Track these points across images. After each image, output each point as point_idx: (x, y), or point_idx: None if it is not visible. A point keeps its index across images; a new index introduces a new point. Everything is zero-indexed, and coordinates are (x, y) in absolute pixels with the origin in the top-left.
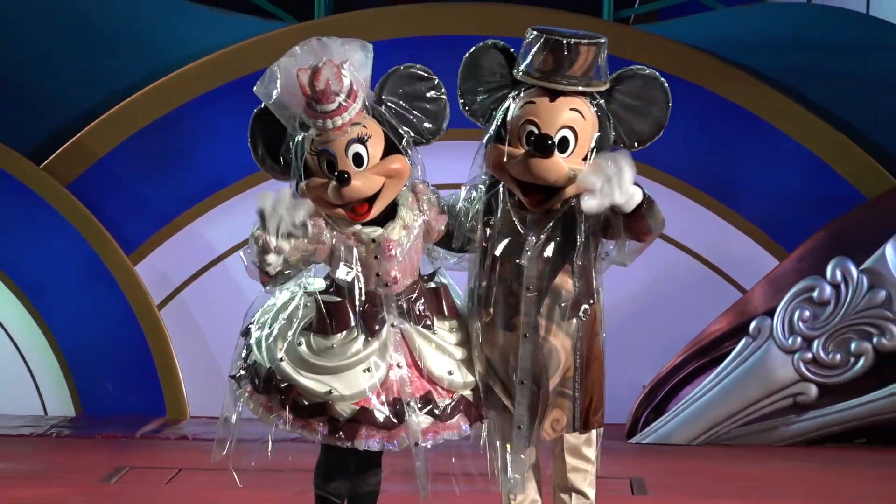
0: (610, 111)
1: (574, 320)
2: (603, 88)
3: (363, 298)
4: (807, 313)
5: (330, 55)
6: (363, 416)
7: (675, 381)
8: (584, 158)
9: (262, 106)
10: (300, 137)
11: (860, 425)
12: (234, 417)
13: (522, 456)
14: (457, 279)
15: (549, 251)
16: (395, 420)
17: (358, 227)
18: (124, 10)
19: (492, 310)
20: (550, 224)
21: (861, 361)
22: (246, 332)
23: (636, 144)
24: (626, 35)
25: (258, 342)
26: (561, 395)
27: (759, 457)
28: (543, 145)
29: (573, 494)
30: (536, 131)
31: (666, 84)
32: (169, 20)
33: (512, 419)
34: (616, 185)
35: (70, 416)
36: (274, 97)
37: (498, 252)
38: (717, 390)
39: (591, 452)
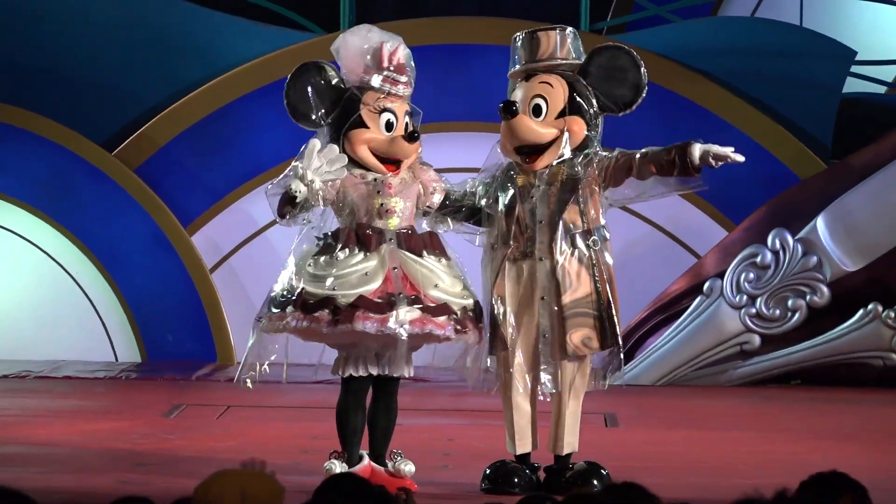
0: (590, 83)
1: (585, 247)
2: (576, 63)
3: (363, 222)
4: (751, 275)
5: (397, 40)
6: (360, 301)
7: (642, 332)
8: (559, 117)
9: (310, 64)
10: (353, 95)
11: (795, 369)
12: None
13: (551, 360)
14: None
15: (555, 194)
16: (388, 307)
17: (363, 170)
18: (184, 23)
19: (512, 243)
20: (550, 173)
21: (796, 316)
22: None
23: (623, 108)
24: (599, 43)
25: (279, 283)
26: (582, 315)
27: (711, 395)
28: (508, 108)
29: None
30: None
31: (633, 52)
32: (220, 32)
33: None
34: None
35: (136, 361)
36: (344, 57)
37: (507, 201)
38: (677, 340)
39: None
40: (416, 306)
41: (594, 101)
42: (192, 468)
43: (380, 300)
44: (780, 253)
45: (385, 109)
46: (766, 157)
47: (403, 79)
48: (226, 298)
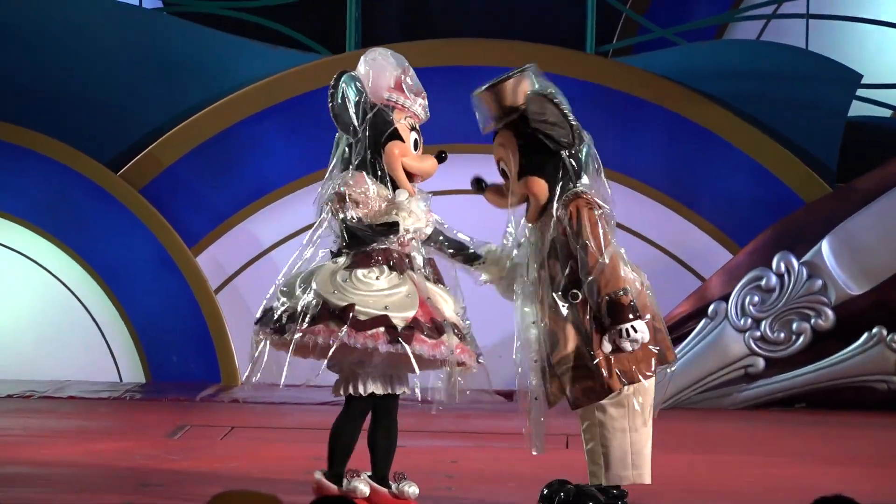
0: (534, 130)
1: (566, 306)
2: (514, 117)
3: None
4: (756, 298)
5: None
6: (416, 324)
7: None
8: (519, 174)
9: (349, 72)
10: (383, 110)
11: (800, 392)
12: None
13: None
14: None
15: (543, 251)
16: (437, 333)
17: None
18: (189, 44)
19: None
20: (537, 229)
21: (801, 339)
22: (284, 294)
23: (568, 148)
24: (605, 65)
25: (299, 291)
26: (574, 369)
27: (715, 418)
28: (476, 185)
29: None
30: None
31: (537, 95)
32: (226, 52)
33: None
34: None
35: (141, 382)
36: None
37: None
38: (681, 363)
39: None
40: (454, 332)
41: (549, 144)
42: (195, 489)
43: (430, 325)
44: (785, 276)
45: (413, 128)
46: (771, 180)
47: (425, 101)
48: (230, 319)
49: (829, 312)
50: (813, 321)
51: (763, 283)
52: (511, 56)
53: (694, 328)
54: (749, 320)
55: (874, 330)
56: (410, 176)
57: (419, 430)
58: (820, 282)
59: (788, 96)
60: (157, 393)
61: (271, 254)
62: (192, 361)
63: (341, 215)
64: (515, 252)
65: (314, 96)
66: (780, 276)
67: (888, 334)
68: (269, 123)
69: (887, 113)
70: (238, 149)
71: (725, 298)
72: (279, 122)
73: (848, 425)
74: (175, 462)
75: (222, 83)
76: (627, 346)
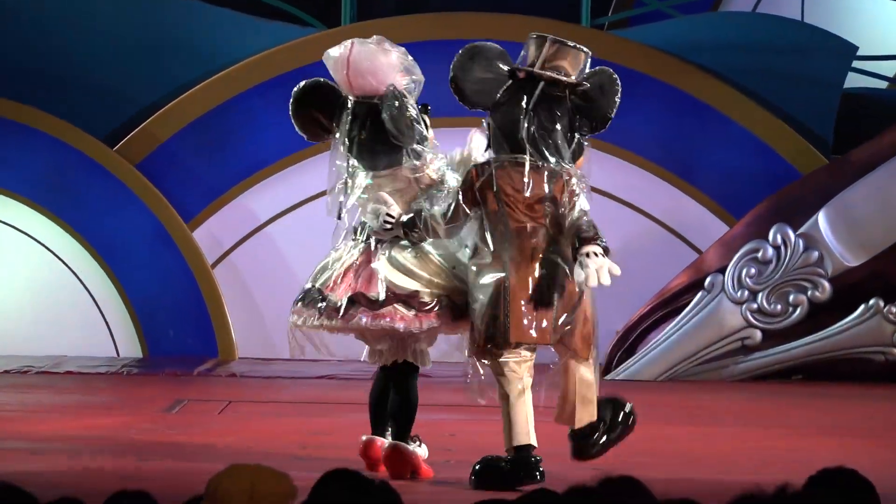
0: (581, 104)
1: None
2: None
3: None
4: (753, 270)
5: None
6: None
7: (643, 327)
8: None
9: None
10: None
11: (797, 364)
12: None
13: None
14: None
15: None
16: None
17: None
18: (185, 19)
19: None
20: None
21: (798, 311)
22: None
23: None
24: (601, 38)
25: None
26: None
27: (712, 390)
28: None
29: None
30: None
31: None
32: (221, 27)
33: None
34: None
35: (138, 357)
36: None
37: None
38: (678, 335)
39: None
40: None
41: (585, 121)
42: (193, 463)
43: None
44: (782, 248)
45: None
46: (767, 152)
47: None
48: (227, 294)
49: (826, 284)
50: (810, 293)
51: (759, 255)
52: (507, 29)
53: (690, 301)
54: (746, 292)
55: (871, 301)
56: None
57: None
58: (816, 253)
59: (784, 68)
60: (154, 368)
61: (267, 228)
62: (189, 336)
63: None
64: None
65: (309, 71)
66: (776, 247)
67: (885, 305)
68: (265, 98)
69: (883, 84)
70: (234, 124)
71: (722, 271)
72: (274, 97)
73: (845, 397)
74: (172, 436)
75: (218, 58)
76: None
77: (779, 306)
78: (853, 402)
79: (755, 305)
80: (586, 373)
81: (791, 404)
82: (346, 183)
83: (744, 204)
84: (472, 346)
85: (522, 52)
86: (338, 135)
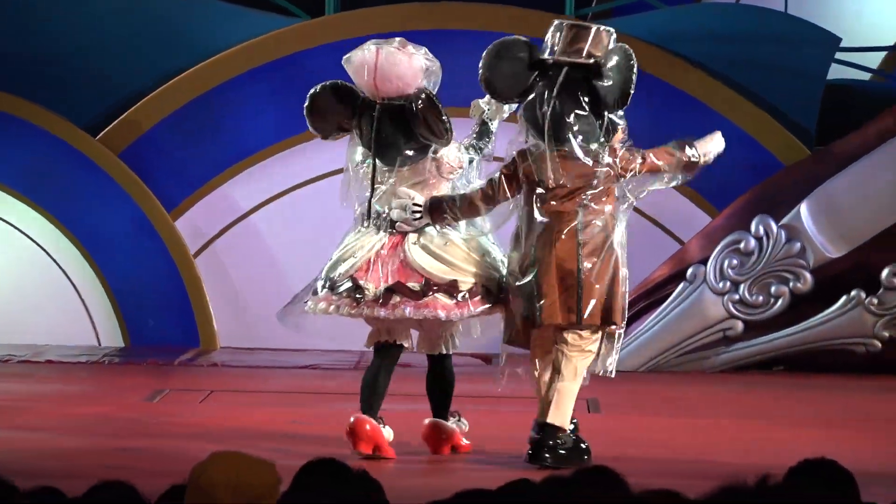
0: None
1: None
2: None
3: None
4: (735, 261)
5: None
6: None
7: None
8: None
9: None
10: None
11: (778, 355)
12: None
13: None
14: None
15: None
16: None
17: None
18: (169, 7)
19: None
20: None
21: (779, 302)
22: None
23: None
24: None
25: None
26: None
27: (694, 381)
28: None
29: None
30: None
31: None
32: (205, 16)
33: None
34: None
35: (120, 346)
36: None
37: None
38: (660, 326)
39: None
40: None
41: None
42: (174, 453)
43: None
44: (764, 239)
45: None
46: (749, 143)
47: None
48: (209, 283)
49: (808, 275)
50: (791, 284)
51: (742, 246)
52: (491, 20)
53: (672, 291)
54: (728, 283)
55: (852, 293)
56: None
57: (402, 393)
58: (798, 245)
59: (767, 59)
60: (135, 357)
61: (250, 218)
62: (171, 325)
63: None
64: None
65: (293, 60)
66: (758, 239)
67: (866, 297)
68: (249, 87)
69: (866, 76)
70: (217, 112)
71: (704, 262)
72: (259, 87)
73: (826, 388)
74: (154, 426)
75: (201, 47)
76: None
77: (760, 297)
78: (834, 393)
79: (737, 296)
80: (571, 385)
81: (772, 395)
82: (371, 183)
83: (726, 195)
84: (507, 332)
85: (546, 40)
86: (356, 134)
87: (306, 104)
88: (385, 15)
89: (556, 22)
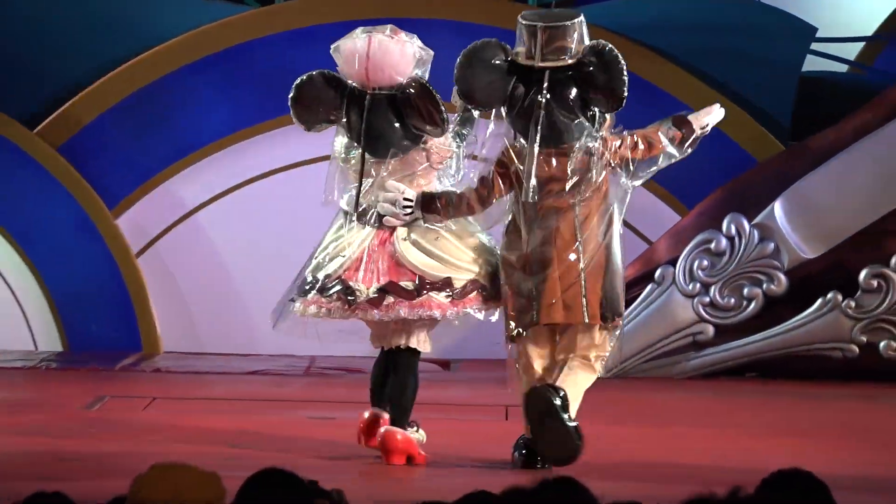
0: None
1: None
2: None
3: None
4: (705, 262)
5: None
6: None
7: None
8: None
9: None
10: None
11: (751, 361)
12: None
13: None
14: None
15: None
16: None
17: None
18: None
19: None
20: None
21: (752, 305)
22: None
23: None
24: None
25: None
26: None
27: (662, 388)
28: None
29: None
30: None
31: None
32: (151, 4)
33: None
34: None
35: (57, 350)
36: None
37: None
38: (626, 330)
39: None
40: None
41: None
42: (115, 463)
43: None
44: (736, 239)
45: None
46: (721, 138)
47: None
48: (152, 284)
49: (782, 277)
50: (765, 286)
51: (712, 246)
52: (454, 8)
53: (640, 294)
54: (698, 285)
55: (829, 295)
56: None
57: (354, 401)
58: (772, 245)
59: (739, 50)
60: (74, 362)
61: (196, 215)
62: (112, 329)
63: None
64: None
65: (243, 50)
66: (730, 238)
67: (843, 300)
68: (196, 78)
69: (843, 68)
70: (163, 105)
71: (673, 262)
72: (207, 77)
73: (801, 395)
74: (93, 435)
75: (146, 35)
76: None
77: (732, 300)
78: (809, 401)
79: (707, 299)
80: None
81: (744, 403)
82: (360, 176)
83: (696, 192)
84: (506, 329)
85: (517, 39)
86: (344, 126)
87: (292, 94)
88: (348, 3)
89: (525, 23)
